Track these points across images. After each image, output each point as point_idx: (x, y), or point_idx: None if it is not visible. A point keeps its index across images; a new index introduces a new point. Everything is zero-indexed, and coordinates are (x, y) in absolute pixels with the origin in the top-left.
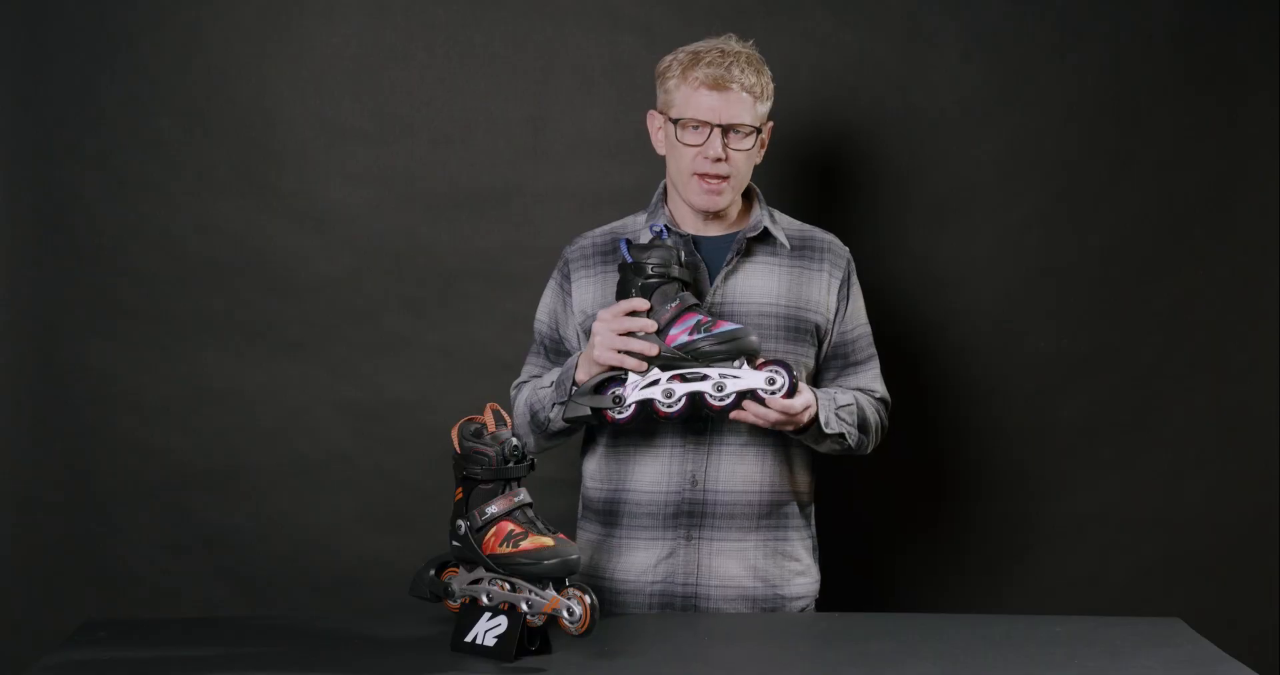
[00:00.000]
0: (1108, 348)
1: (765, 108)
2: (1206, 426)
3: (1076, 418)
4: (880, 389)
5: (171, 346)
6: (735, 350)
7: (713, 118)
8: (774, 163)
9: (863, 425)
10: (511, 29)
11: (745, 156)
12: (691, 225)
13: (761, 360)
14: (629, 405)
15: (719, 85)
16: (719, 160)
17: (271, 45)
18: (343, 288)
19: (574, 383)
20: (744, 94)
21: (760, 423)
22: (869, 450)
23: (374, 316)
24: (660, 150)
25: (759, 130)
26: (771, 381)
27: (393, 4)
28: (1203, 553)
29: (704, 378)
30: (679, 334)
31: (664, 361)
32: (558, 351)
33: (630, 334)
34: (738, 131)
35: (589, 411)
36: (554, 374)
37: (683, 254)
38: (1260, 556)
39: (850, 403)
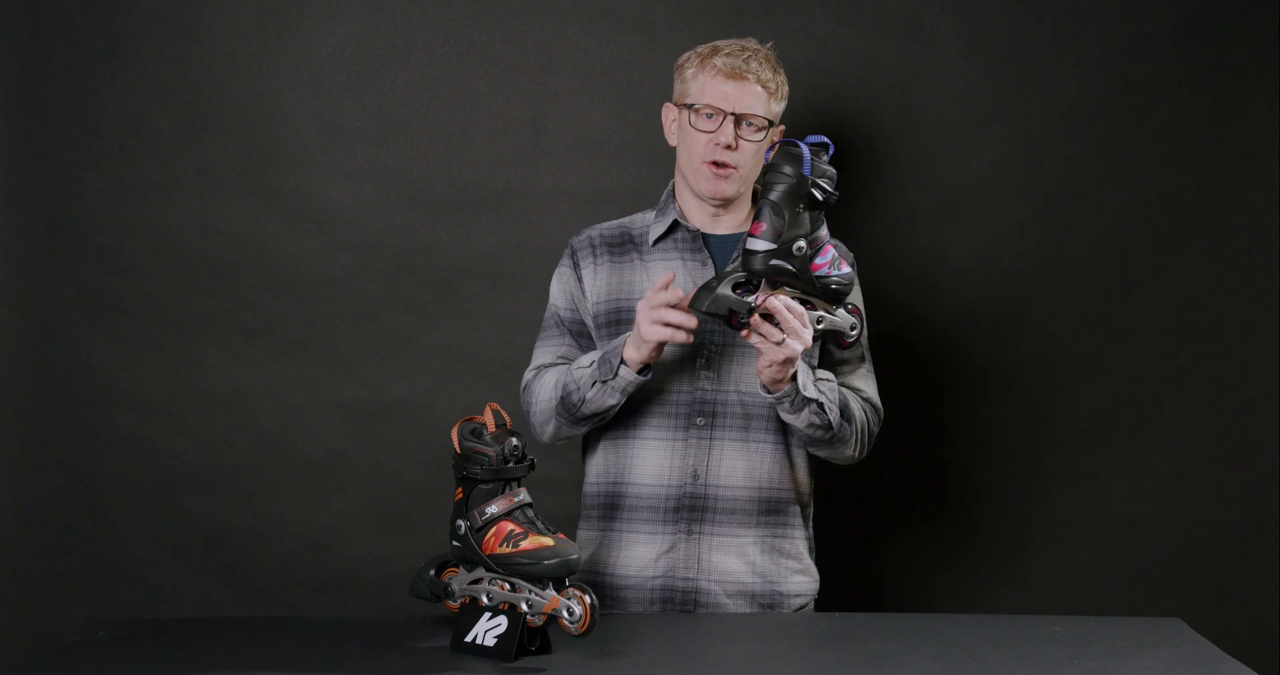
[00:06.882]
0: (1108, 348)
1: (778, 107)
2: (1206, 426)
3: (1076, 418)
4: (870, 392)
5: (171, 346)
6: (847, 292)
7: (726, 105)
8: None
9: (845, 410)
10: (511, 29)
11: (755, 149)
12: (700, 221)
13: (853, 305)
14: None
15: (735, 74)
16: (729, 148)
17: (271, 45)
18: (343, 288)
19: (622, 360)
20: (758, 87)
21: (766, 342)
22: (855, 454)
23: (374, 316)
24: (672, 141)
25: (771, 125)
26: (854, 327)
27: (393, 4)
28: (1203, 553)
29: (811, 306)
30: (822, 265)
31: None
32: (582, 333)
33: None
34: (750, 123)
35: (727, 311)
36: (593, 354)
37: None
38: (1260, 556)
39: (829, 378)
